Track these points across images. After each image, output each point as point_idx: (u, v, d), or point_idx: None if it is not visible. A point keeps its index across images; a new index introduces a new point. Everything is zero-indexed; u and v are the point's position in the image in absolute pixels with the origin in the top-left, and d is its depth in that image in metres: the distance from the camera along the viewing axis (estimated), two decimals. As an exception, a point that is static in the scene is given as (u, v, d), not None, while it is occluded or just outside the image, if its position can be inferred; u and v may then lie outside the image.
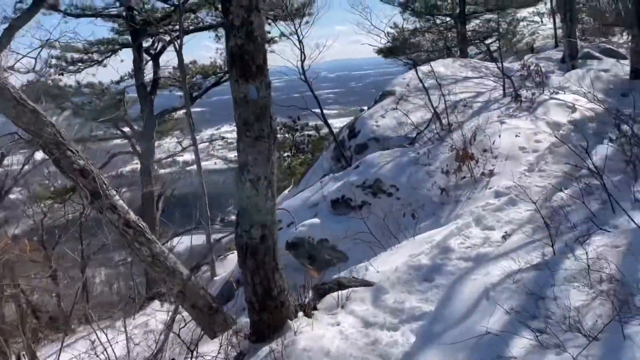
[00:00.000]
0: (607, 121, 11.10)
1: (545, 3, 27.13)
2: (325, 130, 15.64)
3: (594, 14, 25.93)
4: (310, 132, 19.22)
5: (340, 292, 5.01)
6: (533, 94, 11.22)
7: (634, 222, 3.98)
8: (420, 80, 10.67)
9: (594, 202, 5.50)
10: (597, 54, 18.36)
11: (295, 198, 10.17)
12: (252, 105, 3.95)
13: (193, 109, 13.38)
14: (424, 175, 8.62)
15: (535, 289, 3.63)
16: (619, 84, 14.06)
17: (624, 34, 23.34)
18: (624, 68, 17.75)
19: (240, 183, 4.10)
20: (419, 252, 5.73)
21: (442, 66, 14.77)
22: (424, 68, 14.05)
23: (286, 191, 13.04)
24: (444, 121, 10.06)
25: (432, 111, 10.19)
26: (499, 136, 8.85)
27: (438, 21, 27.72)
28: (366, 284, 5.21)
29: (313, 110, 11.78)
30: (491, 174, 8.17)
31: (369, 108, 12.38)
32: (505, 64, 17.93)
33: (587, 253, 3.71)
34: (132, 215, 6.31)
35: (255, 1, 3.74)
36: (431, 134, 9.86)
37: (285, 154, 17.82)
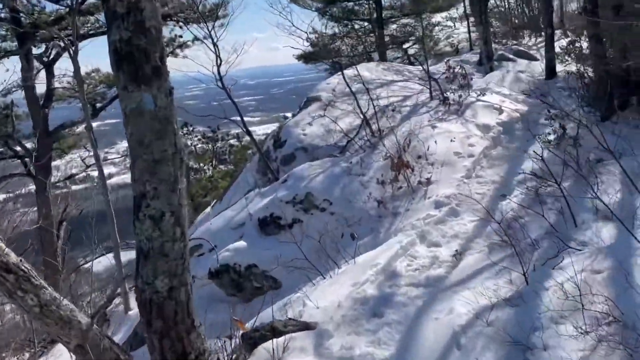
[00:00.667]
0: (532, 120, 11.12)
1: (457, 8, 27.86)
2: (247, 139, 14.63)
3: (503, 18, 27.01)
4: (232, 142, 18.07)
5: (275, 340, 4.12)
6: (460, 96, 10.96)
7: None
8: (348, 85, 10.05)
9: (549, 212, 5.04)
10: (511, 56, 18.87)
11: (218, 218, 9.13)
12: (148, 119, 2.99)
13: (106, 121, 11.84)
14: (358, 186, 7.93)
15: (517, 334, 2.98)
16: (536, 84, 14.34)
17: (532, 36, 24.46)
18: (537, 68, 18.38)
19: (138, 221, 3.11)
20: (363, 280, 4.98)
21: (366, 70, 14.30)
22: (349, 72, 13.51)
23: (208, 209, 11.90)
24: (374, 127, 9.48)
25: (362, 117, 9.57)
26: (435, 142, 8.38)
27: (356, 26, 27.62)
28: (306, 326, 4.36)
29: (233, 119, 10.77)
30: (428, 182, 7.64)
31: (293, 115, 11.58)
32: (421, 68, 17.96)
33: (563, 284, 3.13)
34: (13, 257, 5.06)
35: (144, -21, 2.80)
36: (362, 141, 9.23)
37: (206, 167, 16.57)
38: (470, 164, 8.01)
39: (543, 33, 24.65)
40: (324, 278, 5.58)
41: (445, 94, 10.94)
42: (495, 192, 7.13)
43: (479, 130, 9.59)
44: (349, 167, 8.28)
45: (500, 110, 10.77)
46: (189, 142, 17.00)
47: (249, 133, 10.53)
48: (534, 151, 7.83)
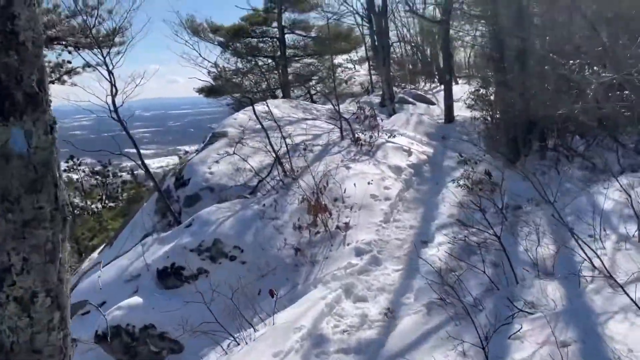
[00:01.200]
0: (436, 162, 11.33)
1: (357, 52, 28.80)
2: (143, 174, 13.33)
3: (400, 63, 28.37)
4: (125, 178, 16.43)
5: None
6: (371, 137, 10.88)
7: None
8: (259, 121, 9.48)
9: (483, 264, 4.76)
10: (410, 99, 19.62)
11: (109, 267, 7.92)
12: (18, 165, 2.15)
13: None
14: (272, 231, 7.27)
15: None
16: (436, 127, 14.86)
17: (426, 81, 25.88)
18: (435, 112, 19.25)
19: (-3, 305, 2.20)
20: (287, 349, 4.29)
21: (274, 107, 13.88)
22: (258, 108, 12.98)
23: (95, 254, 10.45)
24: (287, 166, 8.96)
25: (273, 155, 9.01)
26: (354, 185, 8.02)
27: (260, 62, 27.41)
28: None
29: (127, 151, 9.63)
30: (347, 226, 7.20)
31: (197, 151, 10.70)
32: (329, 107, 18.02)
33: None
34: None
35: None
36: (274, 182, 8.64)
37: (94, 206, 14.79)
38: (387, 208, 7.73)
39: (437, 79, 26.37)
40: (238, 344, 4.80)
41: (356, 135, 10.79)
42: (416, 237, 6.86)
43: (391, 171, 9.47)
44: (261, 210, 7.61)
45: (409, 152, 10.81)
46: (74, 177, 15.15)
47: (146, 169, 9.48)
48: (454, 193, 7.79)
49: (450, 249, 5.58)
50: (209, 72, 27.01)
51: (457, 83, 26.65)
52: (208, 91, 27.50)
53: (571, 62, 6.00)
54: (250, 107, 13.11)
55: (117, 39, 12.12)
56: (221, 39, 26.38)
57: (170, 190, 9.19)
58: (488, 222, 4.78)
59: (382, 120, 13.81)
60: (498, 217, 6.10)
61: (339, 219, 7.36)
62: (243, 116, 12.03)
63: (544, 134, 8.35)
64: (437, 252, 5.71)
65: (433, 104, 20.00)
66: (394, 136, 11.02)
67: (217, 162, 9.21)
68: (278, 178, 8.70)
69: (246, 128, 11.02)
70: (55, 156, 2.33)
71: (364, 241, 6.76)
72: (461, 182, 8.01)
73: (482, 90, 11.01)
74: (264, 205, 7.63)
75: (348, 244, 6.81)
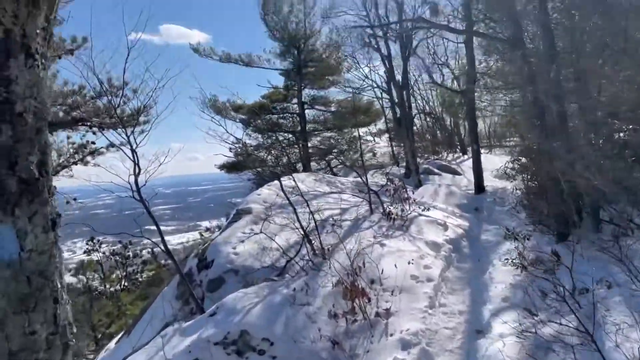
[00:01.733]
0: (474, 236, 10.59)
1: (376, 124, 28.95)
2: (163, 255, 12.77)
3: (420, 135, 28.31)
4: (146, 258, 15.89)
5: None
6: (402, 210, 10.28)
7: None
8: (286, 195, 8.99)
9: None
10: (436, 170, 19.20)
11: (124, 362, 7.15)
12: (4, 276, 1.61)
13: None
14: (304, 320, 6.51)
15: None
16: (467, 198, 14.23)
17: (448, 152, 25.59)
18: (462, 182, 18.69)
19: None
20: None
21: (298, 181, 13.49)
22: (278, 183, 12.59)
23: (113, 343, 9.69)
24: (316, 244, 8.33)
25: (302, 232, 8.42)
26: (394, 265, 7.32)
27: (280, 137, 27.66)
28: None
29: (144, 234, 9.15)
30: (388, 313, 6.43)
31: (221, 230, 10.17)
32: (351, 179, 17.61)
33: None
34: None
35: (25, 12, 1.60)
36: (304, 262, 7.98)
37: (112, 288, 14.17)
38: (431, 290, 6.97)
39: (459, 149, 26.06)
40: None
41: (388, 208, 10.21)
42: (468, 326, 6.04)
43: (429, 248, 8.76)
44: (291, 295, 6.90)
45: (444, 227, 10.14)
46: (94, 258, 14.69)
47: (168, 251, 8.92)
48: (503, 272, 7.02)
49: (519, 342, 4.77)
50: (230, 149, 27.28)
51: (491, 152, 26.42)
52: (230, 167, 27.59)
53: (630, 126, 5.47)
54: (274, 182, 12.77)
55: (141, 118, 12.07)
56: (243, 117, 26.80)
57: (193, 274, 8.57)
58: (573, 311, 4.02)
59: (412, 192, 13.31)
60: (564, 303, 5.31)
61: (377, 304, 6.61)
62: (267, 191, 11.60)
63: (597, 205, 7.66)
64: (502, 346, 4.89)
65: (459, 174, 19.51)
66: (428, 209, 10.40)
67: (242, 241, 8.65)
68: (307, 257, 8.05)
69: (271, 204, 10.55)
70: (57, 260, 1.78)
71: (409, 331, 5.97)
72: (515, 260, 7.24)
73: (523, 159, 10.45)
74: (294, 289, 6.94)
75: (391, 335, 6.01)
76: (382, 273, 7.15)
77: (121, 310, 12.31)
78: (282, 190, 9.00)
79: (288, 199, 8.82)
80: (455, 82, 20.60)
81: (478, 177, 15.29)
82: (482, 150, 27.08)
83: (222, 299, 7.06)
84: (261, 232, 8.56)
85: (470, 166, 22.27)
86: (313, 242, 8.40)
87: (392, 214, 9.86)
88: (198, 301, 7.62)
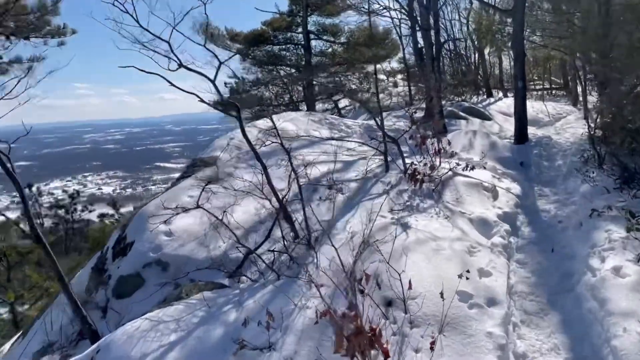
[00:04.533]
0: (530, 207, 7.22)
1: (390, 61, 24.80)
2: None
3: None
4: (102, 212, 12.50)
5: None
6: (432, 167, 6.85)
7: None
8: (249, 143, 5.52)
9: None
10: (461, 113, 15.58)
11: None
12: None
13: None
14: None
15: None
16: (508, 149, 10.70)
17: (474, 94, 21.62)
18: (493, 128, 15.07)
19: None
20: None
21: (290, 122, 10.01)
22: (261, 123, 9.16)
23: (7, 346, 6.64)
24: (297, 224, 5.02)
25: (277, 204, 5.07)
26: (427, 270, 3.98)
27: (282, 73, 23.78)
28: None
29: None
30: (420, 379, 3.21)
31: (167, 188, 6.87)
32: (360, 121, 14.07)
33: None
34: None
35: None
36: (275, 255, 4.70)
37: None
38: (498, 328, 3.66)
39: (484, 91, 22.09)
40: None
41: (411, 165, 6.79)
42: None
43: (478, 230, 5.43)
44: (240, 328, 3.65)
45: (493, 192, 6.75)
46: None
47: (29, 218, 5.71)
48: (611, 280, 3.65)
49: None
50: (225, 84, 23.57)
51: (506, 96, 22.44)
52: (224, 105, 23.90)
53: None
54: (260, 121, 9.40)
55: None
56: (240, 46, 22.82)
57: (107, 260, 5.35)
58: None
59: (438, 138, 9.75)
60: None
61: (402, 353, 3.36)
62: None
63: None
64: None
65: (488, 118, 15.84)
66: (469, 167, 6.94)
67: (184, 210, 5.29)
68: (282, 245, 4.76)
69: (243, 152, 7.17)
70: None
71: None
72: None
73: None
74: (246, 320, 3.65)
75: None
76: (409, 288, 3.84)
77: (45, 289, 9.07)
78: (244, 133, 5.50)
79: (252, 147, 5.39)
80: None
81: (521, 123, 11.72)
82: (499, 94, 23.09)
83: (109, 337, 3.79)
84: (210, 192, 5.20)
85: (499, 110, 18.49)
86: (294, 219, 5.09)
87: (418, 173, 6.44)
88: (88, 321, 4.39)
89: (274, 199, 5.04)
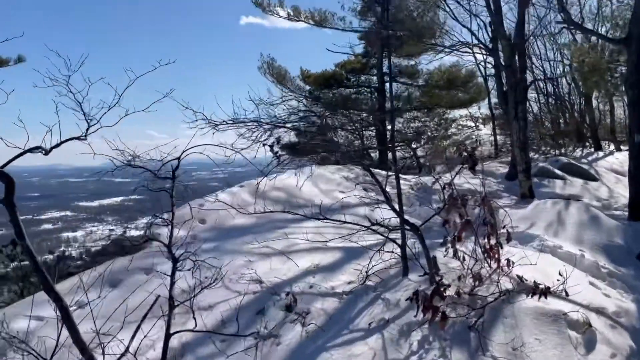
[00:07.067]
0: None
1: (480, 107, 21.48)
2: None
3: (535, 120, 20.20)
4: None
5: None
6: (474, 278, 3.99)
7: None
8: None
9: None
10: (558, 171, 12.13)
11: None
12: None
13: None
14: None
15: None
16: (620, 231, 7.27)
17: (577, 147, 17.63)
18: (601, 193, 11.40)
19: None
20: None
21: (315, 178, 7.65)
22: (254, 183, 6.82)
23: None
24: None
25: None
26: None
27: (355, 118, 21.59)
28: None
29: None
30: None
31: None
32: (413, 178, 11.20)
33: None
34: None
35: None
36: None
37: None
38: None
39: (591, 143, 17.87)
40: None
41: (438, 275, 3.99)
42: None
43: None
44: None
45: (585, 334, 3.71)
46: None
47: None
48: None
49: None
50: (293, 128, 21.88)
51: (619, 149, 18.07)
52: (290, 148, 21.97)
53: None
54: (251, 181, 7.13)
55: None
56: (310, 88, 21.16)
57: None
58: None
59: (506, 212, 6.55)
60: None
61: None
62: (229, 197, 5.91)
63: None
64: None
65: (594, 179, 12.18)
66: (543, 293, 3.91)
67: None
68: None
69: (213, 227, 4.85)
70: None
71: None
72: None
73: None
74: None
75: None
76: None
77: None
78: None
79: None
80: (612, 27, 12.82)
81: (636, 191, 8.25)
82: (610, 147, 18.53)
83: None
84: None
85: (609, 167, 14.52)
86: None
87: (443, 292, 3.62)
88: None
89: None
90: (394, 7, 18.73)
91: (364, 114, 20.98)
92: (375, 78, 20.40)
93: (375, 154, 21.38)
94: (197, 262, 2.85)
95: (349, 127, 21.33)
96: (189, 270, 2.89)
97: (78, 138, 2.34)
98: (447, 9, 12.60)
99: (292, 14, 19.75)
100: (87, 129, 2.43)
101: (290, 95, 19.77)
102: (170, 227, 2.80)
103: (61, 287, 3.14)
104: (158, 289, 3.20)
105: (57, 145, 2.27)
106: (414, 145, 21.21)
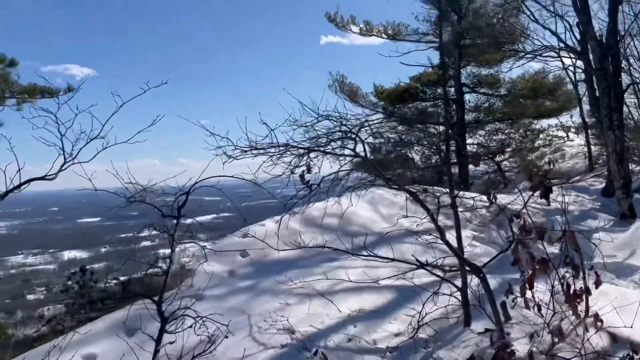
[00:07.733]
0: None
1: (572, 116, 19.40)
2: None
3: (637, 131, 17.78)
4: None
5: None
6: (554, 333, 3.18)
7: None
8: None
9: None
10: (667, 188, 10.38)
11: None
12: None
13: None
14: None
15: None
16: None
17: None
18: None
19: None
20: None
21: (370, 202, 7.03)
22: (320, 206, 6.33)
23: None
24: None
25: None
26: None
27: (432, 131, 20.59)
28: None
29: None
30: None
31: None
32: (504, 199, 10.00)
33: None
34: None
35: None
36: None
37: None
38: None
39: None
40: None
41: (506, 327, 3.23)
42: None
43: None
44: None
45: None
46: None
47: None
48: None
49: None
50: (368, 144, 21.25)
51: None
52: (367, 165, 21.32)
53: None
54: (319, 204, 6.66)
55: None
56: (383, 102, 20.57)
57: None
58: None
59: (600, 239, 5.32)
60: None
61: None
62: (272, 226, 5.53)
63: None
64: None
65: None
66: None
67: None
68: None
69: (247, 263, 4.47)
70: None
71: None
72: None
73: None
74: None
75: None
76: None
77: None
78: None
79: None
80: None
81: None
82: None
83: None
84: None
85: None
86: None
87: (512, 351, 2.87)
88: None
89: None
90: (472, 14, 17.64)
91: (442, 128, 19.92)
92: (452, 89, 19.34)
93: (455, 169, 20.13)
94: (197, 319, 2.41)
95: (425, 142, 20.39)
96: (191, 327, 2.46)
97: (43, 178, 2.05)
98: (528, 12, 11.36)
99: (364, 29, 19.35)
100: (62, 166, 2.12)
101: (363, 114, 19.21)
102: (165, 276, 2.40)
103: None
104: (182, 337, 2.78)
105: (18, 187, 1.98)
106: (498, 159, 19.66)
